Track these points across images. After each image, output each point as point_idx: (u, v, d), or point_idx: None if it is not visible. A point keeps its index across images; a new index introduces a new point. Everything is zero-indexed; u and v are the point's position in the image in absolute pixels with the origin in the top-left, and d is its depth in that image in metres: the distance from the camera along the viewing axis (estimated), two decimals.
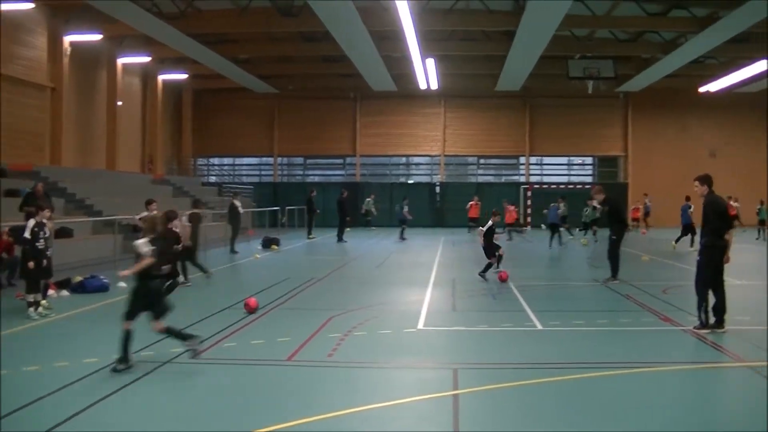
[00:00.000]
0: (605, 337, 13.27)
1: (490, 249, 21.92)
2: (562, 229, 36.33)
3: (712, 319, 13.26)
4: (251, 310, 15.05)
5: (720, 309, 13.22)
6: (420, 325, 14.12)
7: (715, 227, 13.30)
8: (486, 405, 9.03)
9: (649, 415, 8.54)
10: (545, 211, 37.23)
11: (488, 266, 21.68)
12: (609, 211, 21.80)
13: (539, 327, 13.94)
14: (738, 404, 9.33)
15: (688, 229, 33.31)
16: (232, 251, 30.80)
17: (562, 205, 36.89)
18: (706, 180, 13.83)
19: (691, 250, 30.37)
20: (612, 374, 10.29)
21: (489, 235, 22.00)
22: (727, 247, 13.25)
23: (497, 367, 10.77)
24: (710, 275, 13.32)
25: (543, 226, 39.96)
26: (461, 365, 10.81)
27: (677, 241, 33.31)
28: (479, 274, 21.63)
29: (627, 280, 20.75)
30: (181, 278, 19.54)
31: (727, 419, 8.66)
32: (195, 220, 22.31)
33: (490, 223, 22.42)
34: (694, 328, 13.30)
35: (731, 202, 43.68)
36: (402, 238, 40.33)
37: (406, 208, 41.83)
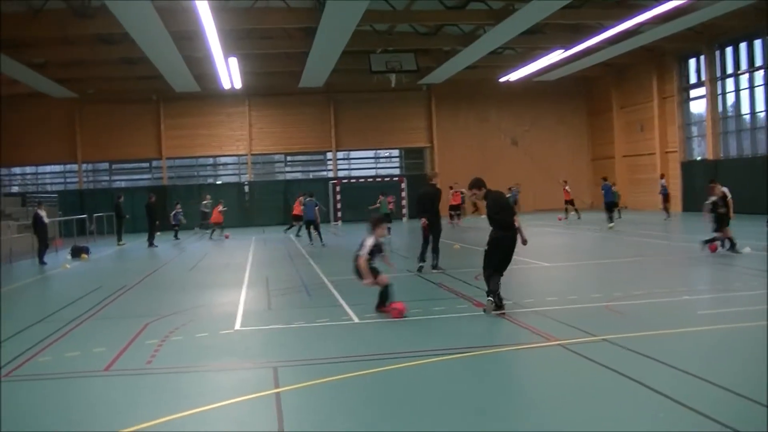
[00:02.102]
0: (421, 326, 13.46)
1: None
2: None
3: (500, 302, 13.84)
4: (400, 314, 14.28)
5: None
6: (237, 326, 14.05)
7: (503, 219, 13.90)
8: (308, 401, 9.06)
9: (471, 398, 8.74)
10: (302, 207, 37.23)
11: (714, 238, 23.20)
12: (417, 203, 22.13)
13: (356, 320, 14.08)
14: (552, 380, 9.63)
15: (611, 206, 37.09)
16: (41, 262, 29.94)
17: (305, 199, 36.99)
18: (479, 184, 14.46)
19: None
20: (431, 361, 10.48)
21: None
22: (520, 231, 13.94)
23: (317, 363, 10.78)
24: (499, 262, 13.88)
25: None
26: (281, 363, 10.81)
27: (611, 221, 36.36)
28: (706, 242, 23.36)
29: (441, 268, 21.17)
30: None
31: (542, 394, 8.94)
32: None
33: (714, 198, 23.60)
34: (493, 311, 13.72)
35: (566, 188, 45.18)
36: (176, 238, 42.57)
37: (174, 212, 43.69)
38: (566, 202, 45.82)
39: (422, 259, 21.42)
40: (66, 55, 43.04)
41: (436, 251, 21.42)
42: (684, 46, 46.89)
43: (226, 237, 42.78)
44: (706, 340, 11.50)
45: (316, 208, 35.30)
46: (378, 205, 38.78)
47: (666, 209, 41.92)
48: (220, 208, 43.34)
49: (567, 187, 45.52)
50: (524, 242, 14.16)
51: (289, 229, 41.64)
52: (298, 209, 39.35)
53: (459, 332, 12.71)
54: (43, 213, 30.99)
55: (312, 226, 34.99)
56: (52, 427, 8.43)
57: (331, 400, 9.05)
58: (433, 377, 9.84)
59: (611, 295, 15.54)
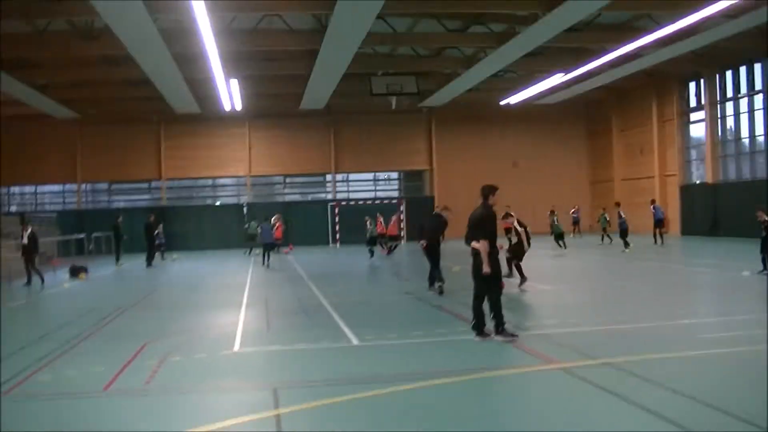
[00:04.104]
0: (422, 348, 13.40)
1: None
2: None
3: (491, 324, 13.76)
4: None
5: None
6: (236, 347, 14.01)
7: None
8: (309, 423, 9.03)
9: (470, 421, 8.70)
10: (259, 230, 38.63)
11: None
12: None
13: (355, 342, 14.04)
14: (553, 404, 9.57)
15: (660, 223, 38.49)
16: (27, 283, 29.49)
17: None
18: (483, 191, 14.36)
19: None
20: (431, 384, 10.41)
21: None
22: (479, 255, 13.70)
23: (317, 385, 10.76)
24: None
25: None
26: (281, 384, 10.78)
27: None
28: None
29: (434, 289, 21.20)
30: None
31: (542, 418, 8.89)
32: None
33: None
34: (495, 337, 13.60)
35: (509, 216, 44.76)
36: (162, 258, 43.54)
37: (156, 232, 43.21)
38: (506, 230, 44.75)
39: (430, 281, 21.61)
40: (69, 76, 43.03)
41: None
42: (684, 69, 46.99)
43: (290, 248, 44.91)
44: (708, 364, 11.46)
45: (273, 231, 36.40)
46: (369, 228, 38.91)
47: (660, 234, 40.65)
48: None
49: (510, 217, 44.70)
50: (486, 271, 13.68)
51: (392, 249, 41.18)
52: (393, 229, 39.52)
53: (460, 354, 12.66)
54: (25, 233, 30.39)
55: (269, 249, 35.90)
56: None
57: (331, 422, 9.01)
58: (433, 400, 9.80)
59: (613, 318, 15.53)
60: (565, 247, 37.17)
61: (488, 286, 13.63)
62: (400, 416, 9.07)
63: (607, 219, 44.04)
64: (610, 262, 31.54)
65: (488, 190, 14.07)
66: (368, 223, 38.99)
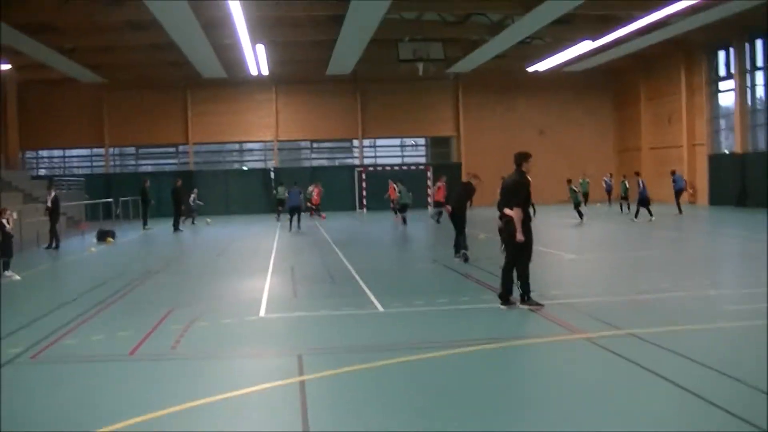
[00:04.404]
0: (447, 316, 13.44)
1: None
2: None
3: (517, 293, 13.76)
4: None
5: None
6: (262, 313, 14.06)
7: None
8: (333, 389, 9.06)
9: (493, 389, 8.74)
10: (286, 194, 39.46)
11: None
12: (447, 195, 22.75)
13: (381, 309, 14.08)
14: (577, 374, 9.54)
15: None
16: (47, 246, 29.72)
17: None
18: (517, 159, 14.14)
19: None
20: (455, 352, 10.43)
21: None
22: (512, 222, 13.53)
23: (341, 351, 10.80)
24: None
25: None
26: (306, 351, 10.81)
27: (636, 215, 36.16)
28: None
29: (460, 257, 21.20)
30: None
31: (564, 387, 8.87)
32: None
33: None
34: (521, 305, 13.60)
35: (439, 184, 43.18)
36: (193, 223, 43.99)
37: (192, 196, 44.66)
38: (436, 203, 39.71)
39: (457, 250, 21.61)
40: (94, 41, 43.01)
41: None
42: (713, 37, 46.50)
43: (323, 218, 44.77)
44: (732, 335, 11.41)
45: (300, 195, 36.29)
46: (398, 194, 38.76)
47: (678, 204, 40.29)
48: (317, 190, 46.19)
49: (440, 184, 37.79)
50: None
51: (439, 216, 39.74)
52: (439, 195, 38.70)
53: (485, 323, 12.70)
54: (49, 197, 30.61)
55: (296, 213, 36.29)
56: (78, 409, 8.46)
57: (356, 388, 9.05)
58: (457, 368, 9.82)
59: (637, 288, 15.49)
60: (582, 217, 36.61)
61: (519, 253, 13.60)
62: (425, 383, 9.10)
63: (627, 186, 43.90)
64: (634, 231, 31.37)
65: (521, 157, 13.89)
66: (397, 190, 38.94)
